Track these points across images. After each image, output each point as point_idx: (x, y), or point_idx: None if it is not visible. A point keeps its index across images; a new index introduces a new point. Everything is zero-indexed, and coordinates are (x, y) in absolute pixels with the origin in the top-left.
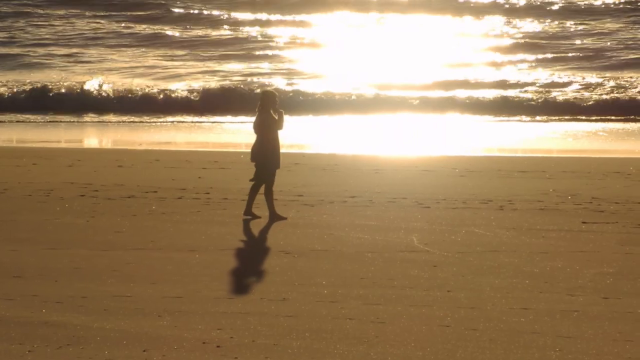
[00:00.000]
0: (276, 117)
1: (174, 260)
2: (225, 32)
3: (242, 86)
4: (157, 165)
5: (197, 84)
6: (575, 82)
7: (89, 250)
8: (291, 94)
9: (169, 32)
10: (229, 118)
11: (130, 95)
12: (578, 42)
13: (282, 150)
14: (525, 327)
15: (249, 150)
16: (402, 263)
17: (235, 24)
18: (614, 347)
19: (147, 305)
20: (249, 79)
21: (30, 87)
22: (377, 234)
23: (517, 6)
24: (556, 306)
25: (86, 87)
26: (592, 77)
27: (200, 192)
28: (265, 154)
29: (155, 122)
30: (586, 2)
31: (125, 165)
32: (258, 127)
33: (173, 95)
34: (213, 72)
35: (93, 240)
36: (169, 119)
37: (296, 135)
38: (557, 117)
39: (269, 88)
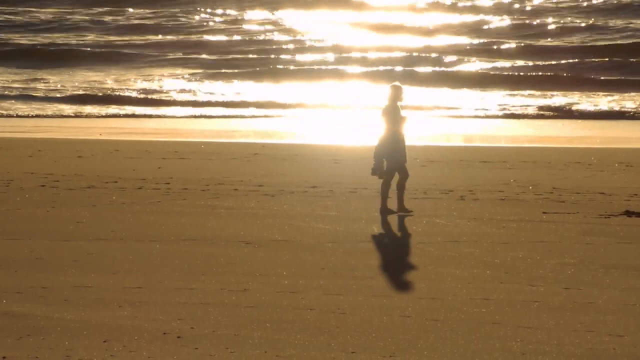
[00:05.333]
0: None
1: (135, 250)
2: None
3: None
4: (117, 156)
5: None
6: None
7: (50, 241)
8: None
9: None
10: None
11: None
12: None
13: (243, 140)
14: (486, 317)
15: (206, 140)
16: (362, 253)
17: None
18: (575, 338)
19: (107, 295)
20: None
21: None
22: (337, 224)
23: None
24: (517, 296)
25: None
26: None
27: (160, 183)
28: (394, 146)
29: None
30: None
31: (85, 155)
32: (387, 119)
33: None
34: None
35: (53, 230)
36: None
37: (256, 125)
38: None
39: (395, 83)
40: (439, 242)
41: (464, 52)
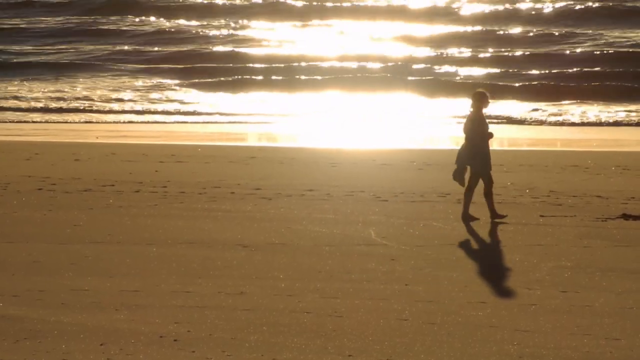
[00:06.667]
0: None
1: (132, 253)
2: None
3: None
4: (114, 159)
5: None
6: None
7: (47, 244)
8: None
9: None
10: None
11: None
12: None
13: (239, 143)
14: (483, 320)
15: (203, 143)
16: (359, 256)
17: None
18: (572, 341)
19: (104, 298)
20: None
21: None
22: (334, 228)
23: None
24: (514, 300)
25: None
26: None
27: (157, 186)
28: (479, 154)
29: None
30: None
31: (82, 158)
32: (471, 128)
33: None
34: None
35: (50, 233)
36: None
37: (254, 129)
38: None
39: (479, 89)
40: (436, 245)
41: (458, 61)
